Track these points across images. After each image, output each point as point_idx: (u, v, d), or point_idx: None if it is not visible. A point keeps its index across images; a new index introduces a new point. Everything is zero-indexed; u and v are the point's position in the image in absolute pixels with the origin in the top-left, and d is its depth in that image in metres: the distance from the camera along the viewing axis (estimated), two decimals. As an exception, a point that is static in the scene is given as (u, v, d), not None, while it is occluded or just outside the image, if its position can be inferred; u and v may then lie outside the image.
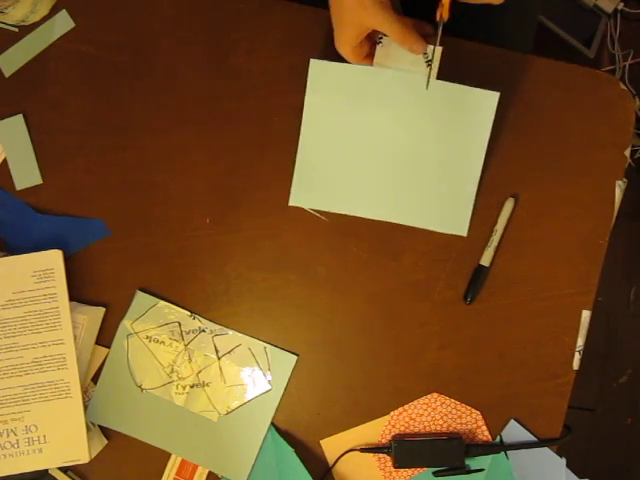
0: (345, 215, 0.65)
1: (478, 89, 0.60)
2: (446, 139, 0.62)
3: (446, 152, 0.62)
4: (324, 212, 0.66)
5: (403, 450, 0.63)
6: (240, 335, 0.65)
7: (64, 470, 0.64)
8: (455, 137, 0.62)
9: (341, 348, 0.66)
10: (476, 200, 0.63)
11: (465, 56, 0.65)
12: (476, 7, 0.53)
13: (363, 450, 0.64)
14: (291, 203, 0.65)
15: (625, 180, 0.66)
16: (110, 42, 0.67)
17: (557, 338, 0.65)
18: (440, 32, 0.56)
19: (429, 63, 0.59)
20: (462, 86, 0.60)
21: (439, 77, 0.59)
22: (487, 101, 0.60)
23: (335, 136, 0.63)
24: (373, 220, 0.65)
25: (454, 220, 0.64)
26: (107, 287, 0.66)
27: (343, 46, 0.58)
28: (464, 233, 0.64)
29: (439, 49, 0.58)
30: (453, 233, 0.64)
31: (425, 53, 0.58)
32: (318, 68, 0.61)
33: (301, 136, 0.63)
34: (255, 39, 0.66)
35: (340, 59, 0.60)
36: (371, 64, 0.60)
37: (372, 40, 0.60)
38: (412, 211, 0.64)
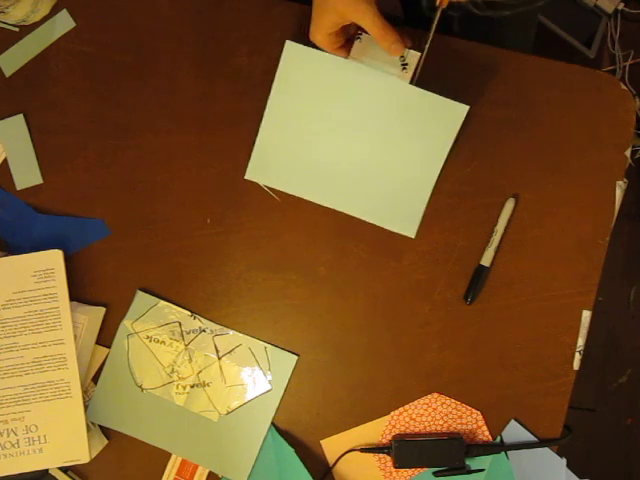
0: (299, 198, 0.65)
1: (449, 100, 0.60)
2: (409, 142, 0.62)
3: (407, 155, 0.63)
4: (278, 192, 0.66)
5: (403, 450, 0.63)
6: (240, 335, 0.65)
7: (64, 470, 0.64)
8: (418, 142, 0.62)
9: (341, 348, 0.66)
10: (429, 203, 0.64)
11: (465, 56, 0.65)
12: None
13: (363, 450, 0.64)
14: (247, 177, 0.65)
15: (625, 180, 0.66)
16: (110, 42, 0.67)
17: (557, 338, 0.65)
18: (437, 20, 0.55)
19: (404, 67, 0.59)
20: (434, 95, 0.60)
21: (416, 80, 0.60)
22: (456, 112, 0.60)
23: (300, 119, 0.63)
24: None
25: (404, 220, 0.65)
26: (107, 287, 0.66)
27: (319, 31, 0.57)
28: (412, 235, 0.65)
29: (416, 54, 0.58)
30: (402, 233, 0.65)
31: (402, 56, 0.58)
32: (293, 50, 0.61)
33: (266, 112, 0.63)
34: (255, 39, 0.66)
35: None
36: (342, 56, 0.60)
37: (347, 33, 0.59)
38: (365, 205, 0.64)
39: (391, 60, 0.59)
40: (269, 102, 0.63)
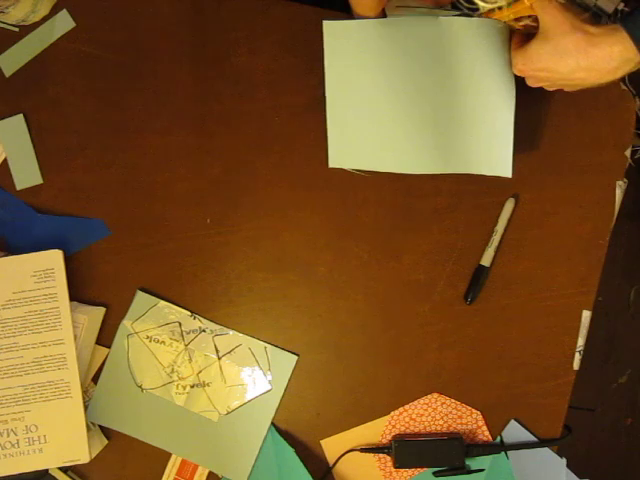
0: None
1: (494, 20, 0.56)
2: (474, 76, 0.58)
3: (477, 91, 0.59)
4: (365, 171, 0.65)
5: (403, 450, 0.63)
6: (240, 335, 0.65)
7: (64, 470, 0.64)
8: (483, 73, 0.58)
9: (341, 348, 0.66)
10: (515, 140, 0.59)
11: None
12: None
13: (363, 450, 0.64)
14: (331, 165, 0.64)
15: (625, 180, 0.66)
16: (110, 42, 0.67)
17: (557, 338, 0.65)
18: None
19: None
20: (480, 19, 0.56)
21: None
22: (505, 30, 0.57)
23: (362, 93, 0.61)
24: (373, 220, 0.65)
25: (496, 161, 0.60)
26: (107, 287, 0.66)
27: (367, 13, 0.59)
28: (509, 174, 0.60)
29: None
30: (497, 174, 0.60)
31: None
32: (332, 28, 0.60)
33: (327, 98, 0.62)
34: (255, 39, 0.66)
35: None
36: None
37: None
38: (453, 158, 0.61)
39: None
40: (327, 87, 0.62)
